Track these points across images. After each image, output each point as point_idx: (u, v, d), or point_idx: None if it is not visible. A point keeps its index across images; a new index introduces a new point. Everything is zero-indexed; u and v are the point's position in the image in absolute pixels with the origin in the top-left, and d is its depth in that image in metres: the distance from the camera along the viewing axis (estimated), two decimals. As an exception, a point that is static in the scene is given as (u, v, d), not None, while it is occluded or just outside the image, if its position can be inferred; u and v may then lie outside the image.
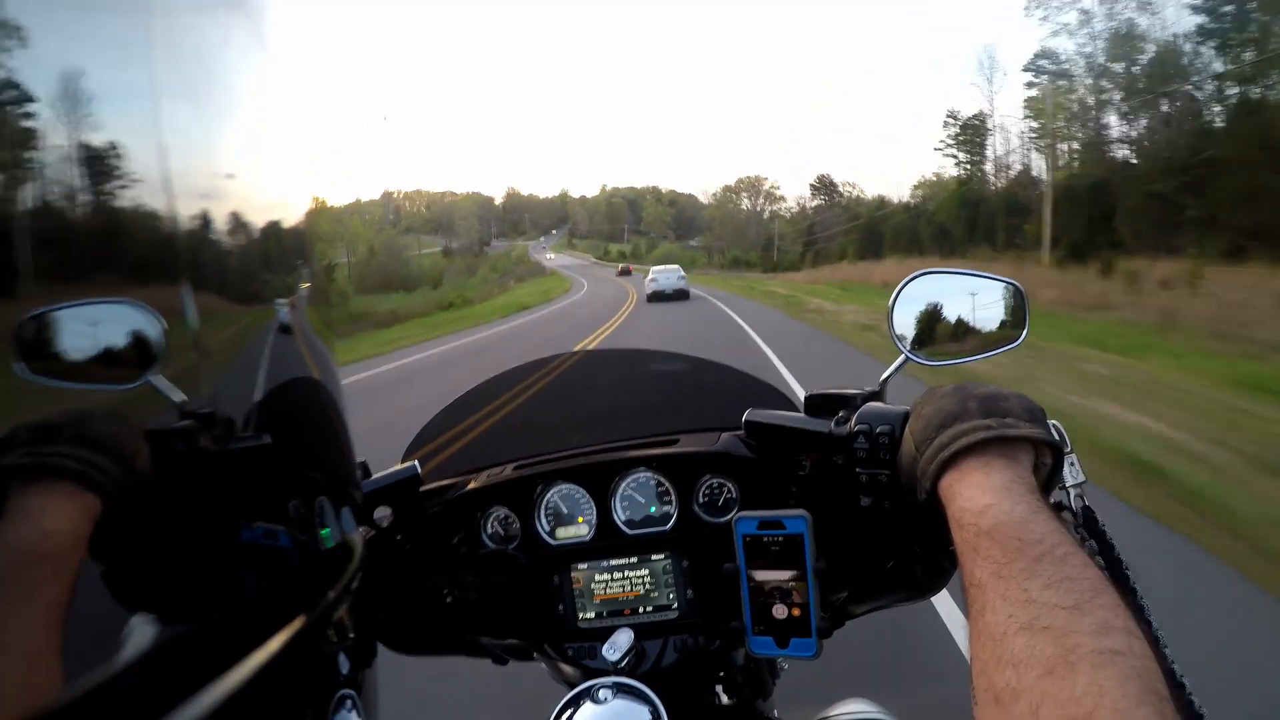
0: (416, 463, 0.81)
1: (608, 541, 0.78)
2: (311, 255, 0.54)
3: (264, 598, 0.41)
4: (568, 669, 0.78)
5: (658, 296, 22.90)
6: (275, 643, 0.39)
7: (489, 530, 0.81)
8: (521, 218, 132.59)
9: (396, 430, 0.90)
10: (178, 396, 0.36)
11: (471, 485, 0.82)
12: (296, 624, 0.41)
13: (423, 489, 0.81)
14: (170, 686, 0.32)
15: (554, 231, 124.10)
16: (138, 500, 0.33)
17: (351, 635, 0.52)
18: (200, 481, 0.37)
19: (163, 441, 0.35)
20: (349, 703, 0.49)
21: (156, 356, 0.35)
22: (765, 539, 0.64)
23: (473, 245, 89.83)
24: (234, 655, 0.36)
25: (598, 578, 0.79)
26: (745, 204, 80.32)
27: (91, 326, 0.34)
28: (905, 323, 0.68)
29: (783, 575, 0.64)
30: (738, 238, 77.03)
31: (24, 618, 0.28)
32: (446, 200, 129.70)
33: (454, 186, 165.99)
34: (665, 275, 24.23)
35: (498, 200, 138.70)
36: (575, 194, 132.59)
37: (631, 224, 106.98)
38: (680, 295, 22.95)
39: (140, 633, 0.33)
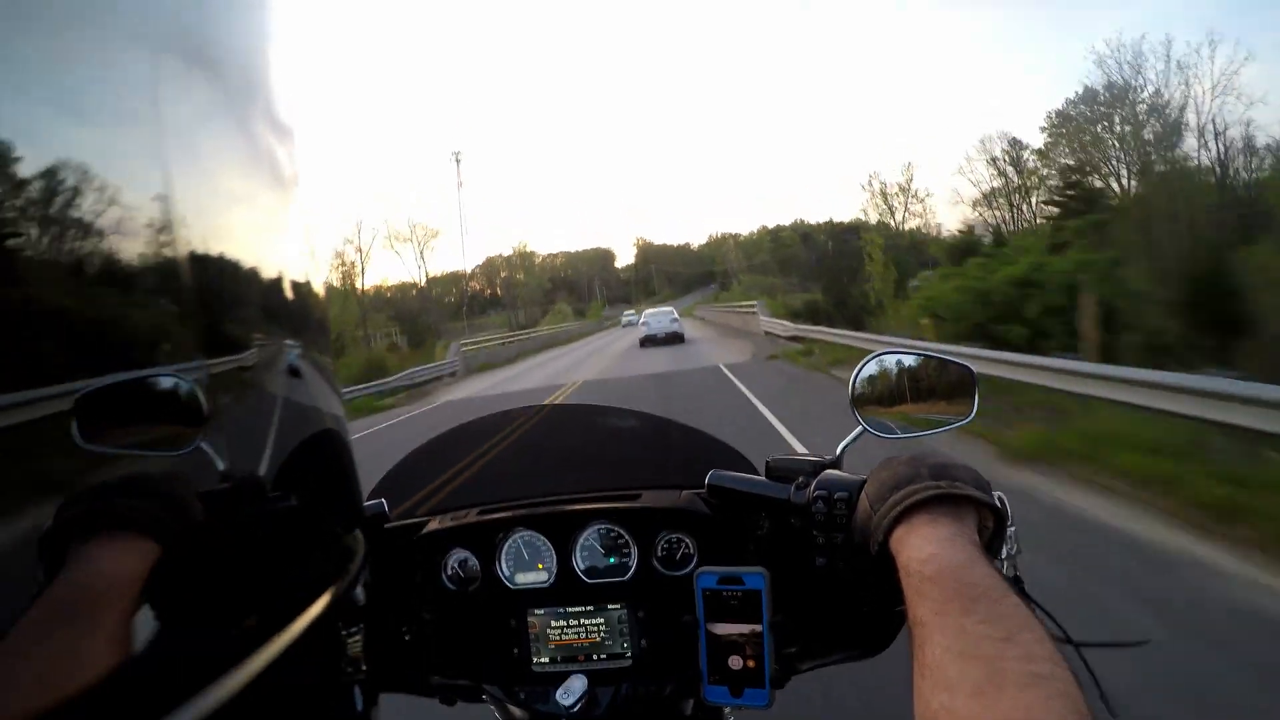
0: (384, 500, 0.90)
1: (566, 589, 0.87)
2: (320, 304, 0.62)
3: (281, 629, 0.47)
4: (517, 712, 0.86)
5: (649, 341, 25.26)
6: (295, 663, 0.44)
7: (450, 571, 0.89)
8: (650, 273, 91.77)
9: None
10: (222, 461, 0.42)
11: (435, 526, 0.91)
12: (316, 644, 0.48)
13: (387, 526, 0.90)
14: (189, 698, 0.37)
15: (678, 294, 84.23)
16: (189, 546, 0.39)
17: (364, 669, 0.60)
18: (239, 534, 0.45)
19: (209, 501, 0.42)
20: None
21: (202, 424, 0.41)
22: (725, 593, 0.72)
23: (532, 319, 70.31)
24: (253, 679, 0.41)
25: (554, 623, 0.86)
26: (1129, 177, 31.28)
27: (142, 398, 0.39)
28: (865, 397, 0.80)
29: (740, 628, 0.71)
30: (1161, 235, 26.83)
31: (84, 648, 0.33)
32: (558, 261, 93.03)
33: (569, 245, 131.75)
34: (657, 318, 26.46)
35: (627, 257, 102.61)
36: (733, 240, 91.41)
37: (814, 263, 61.83)
38: (674, 339, 24.91)
39: (167, 655, 0.38)
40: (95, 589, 0.35)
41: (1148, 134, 29.93)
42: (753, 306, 28.65)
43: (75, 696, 0.31)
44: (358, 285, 44.87)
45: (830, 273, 34.98)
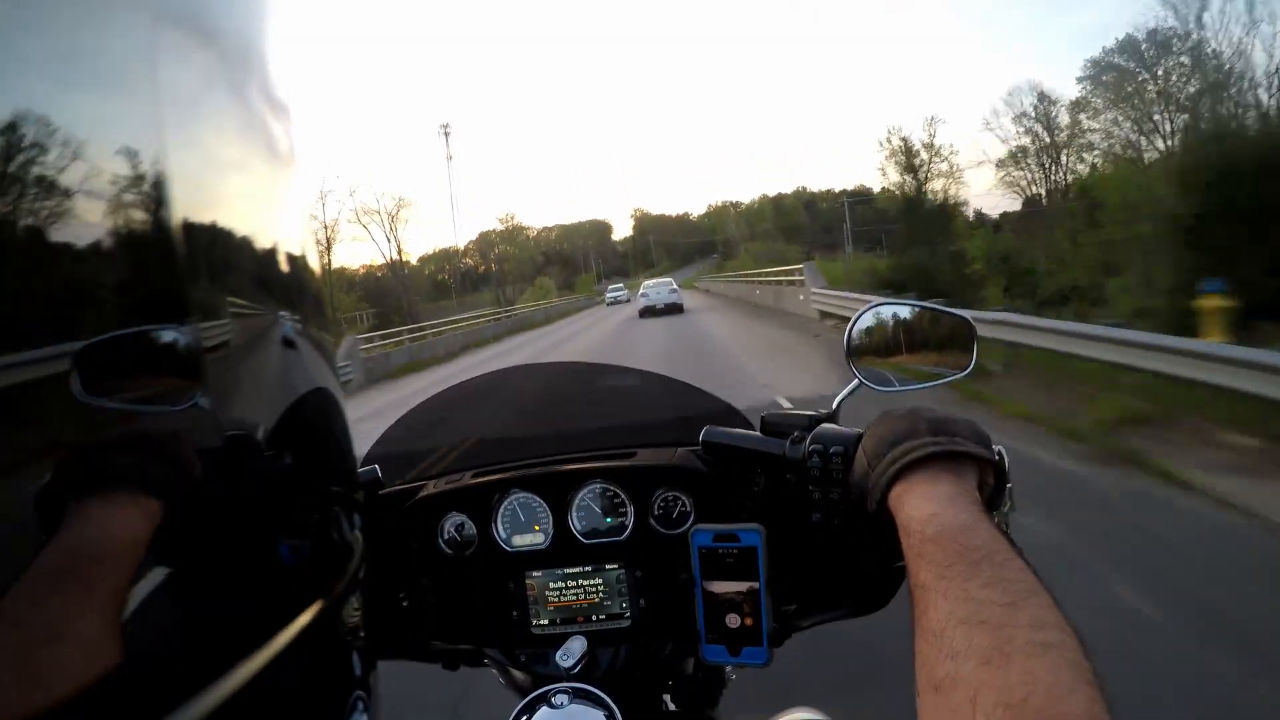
0: (377, 466, 0.91)
1: (564, 550, 0.88)
2: (315, 276, 0.63)
3: (281, 594, 0.48)
4: (518, 675, 0.88)
5: (649, 312, 26.30)
6: (293, 630, 0.45)
7: (446, 535, 0.90)
8: (648, 245, 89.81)
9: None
10: (221, 417, 0.43)
11: (430, 491, 0.91)
12: (314, 610, 0.48)
13: (381, 492, 0.91)
14: (191, 672, 0.37)
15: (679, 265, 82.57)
16: (191, 508, 0.39)
17: (362, 634, 0.60)
18: (238, 494, 0.45)
19: (210, 457, 0.41)
20: (360, 704, 0.55)
21: (201, 379, 0.41)
22: (720, 551, 0.72)
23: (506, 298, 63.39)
24: (253, 646, 0.41)
25: (552, 585, 0.87)
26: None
27: (143, 352, 0.39)
28: (861, 349, 0.80)
29: (736, 586, 0.72)
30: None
31: (82, 611, 0.33)
32: (553, 234, 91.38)
33: (564, 218, 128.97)
34: (656, 290, 27.49)
35: (625, 229, 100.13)
36: (735, 212, 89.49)
37: (816, 231, 60.90)
38: (673, 309, 26.08)
39: (168, 620, 0.38)
40: (95, 551, 0.34)
41: (1198, 82, 26.77)
42: (796, 273, 20.41)
43: (77, 655, 0.31)
44: (326, 262, 41.44)
45: (920, 232, 28.74)
